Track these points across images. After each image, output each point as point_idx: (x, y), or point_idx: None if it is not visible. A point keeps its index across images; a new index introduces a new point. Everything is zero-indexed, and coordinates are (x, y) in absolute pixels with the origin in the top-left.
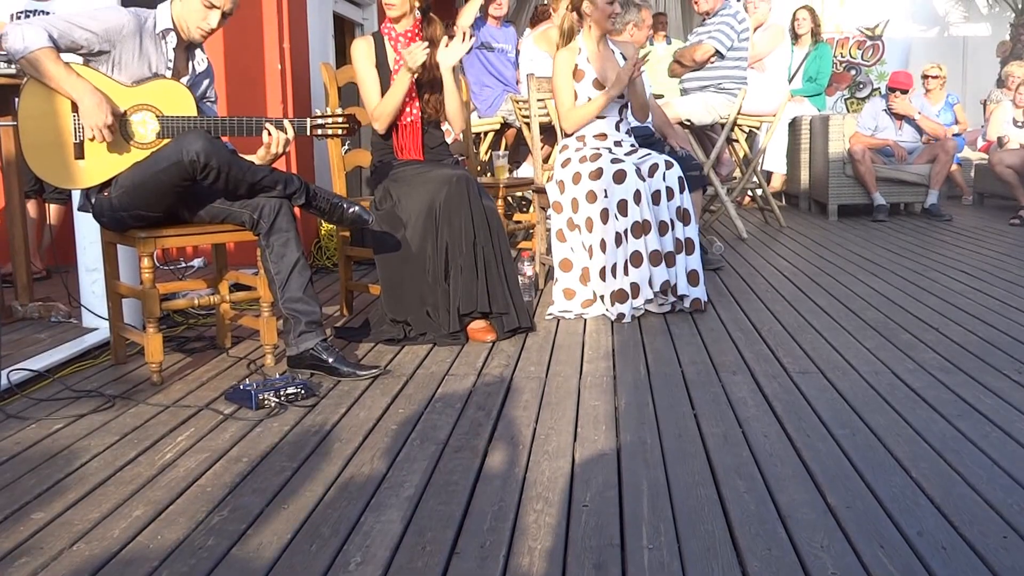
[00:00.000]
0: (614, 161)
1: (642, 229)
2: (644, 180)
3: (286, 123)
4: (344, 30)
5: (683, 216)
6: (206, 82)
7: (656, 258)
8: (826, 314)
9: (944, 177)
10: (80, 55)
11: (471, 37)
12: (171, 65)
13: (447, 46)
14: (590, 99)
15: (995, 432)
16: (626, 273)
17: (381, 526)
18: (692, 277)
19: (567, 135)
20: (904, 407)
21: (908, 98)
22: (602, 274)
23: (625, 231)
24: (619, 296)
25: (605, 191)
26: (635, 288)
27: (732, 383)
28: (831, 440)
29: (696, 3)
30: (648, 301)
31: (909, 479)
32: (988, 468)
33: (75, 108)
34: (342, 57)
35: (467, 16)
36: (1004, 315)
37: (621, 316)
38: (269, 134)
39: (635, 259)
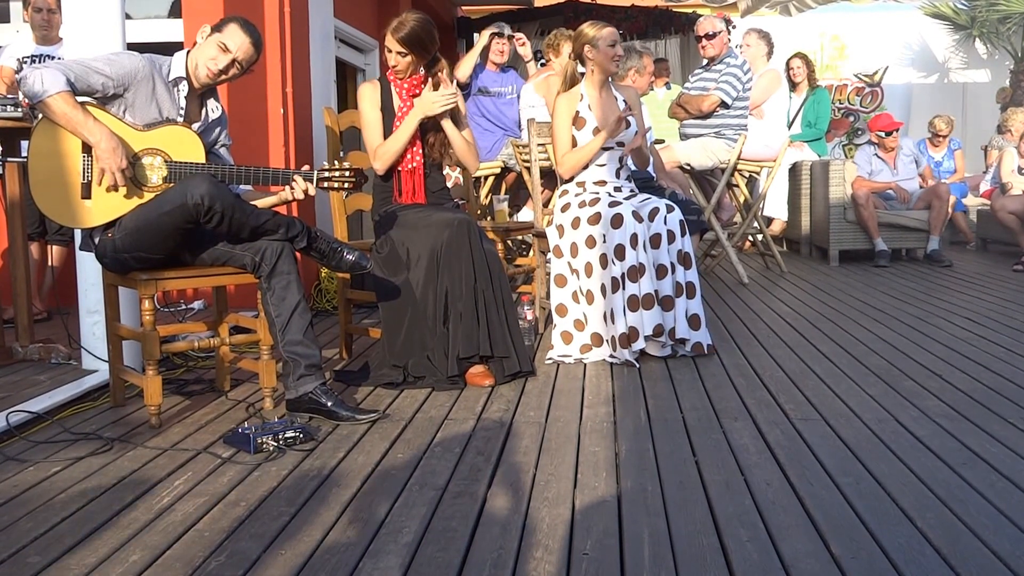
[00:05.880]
0: (612, 204)
1: (637, 272)
2: (641, 222)
3: (299, 178)
4: (346, 75)
5: (683, 260)
6: (218, 129)
7: (648, 301)
8: (828, 360)
9: (942, 222)
10: (95, 98)
11: (453, 88)
12: (183, 112)
13: (433, 90)
14: None
15: (1001, 481)
16: (624, 317)
17: (380, 573)
18: (693, 321)
19: (564, 180)
20: (909, 455)
21: (904, 142)
22: (605, 319)
23: (622, 275)
24: (623, 341)
25: (604, 236)
26: (634, 332)
27: (733, 430)
28: (835, 489)
29: (703, 48)
30: (645, 339)
31: (915, 529)
32: (995, 518)
33: (86, 149)
34: (344, 102)
35: (465, 68)
36: (1009, 362)
37: (628, 361)
38: (292, 188)
39: (632, 303)
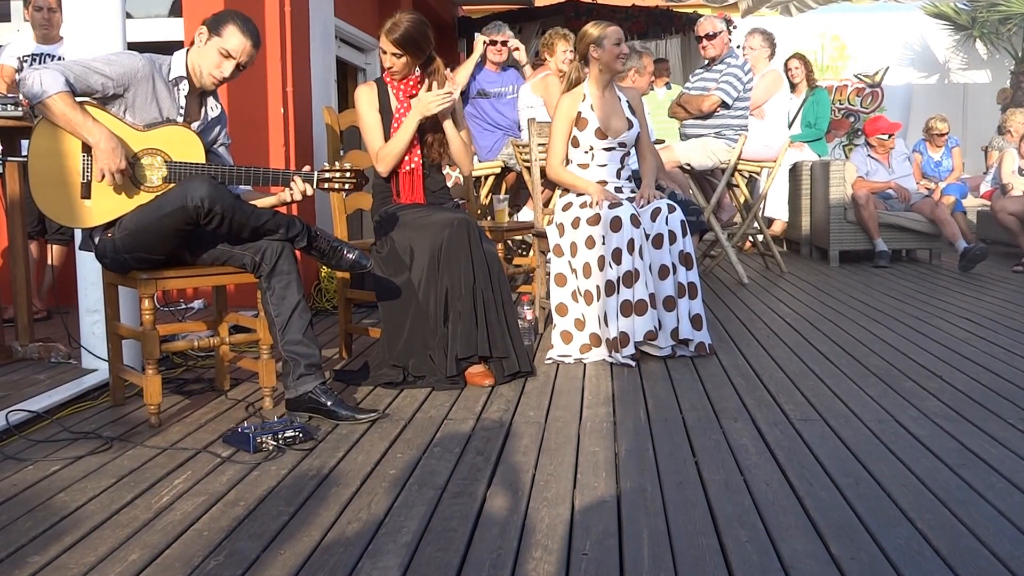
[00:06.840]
0: (612, 206)
1: (632, 278)
2: (639, 227)
3: (298, 179)
4: (346, 74)
5: (685, 260)
6: (218, 128)
7: (641, 307)
8: (828, 360)
9: (955, 226)
10: (95, 98)
11: (449, 88)
12: (183, 111)
13: (428, 90)
14: (592, 148)
15: (1001, 482)
16: (617, 322)
17: (379, 573)
18: (695, 321)
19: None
20: (908, 456)
21: (896, 140)
22: (601, 321)
23: (618, 279)
24: (614, 345)
25: (603, 237)
26: (624, 337)
27: (733, 430)
28: (834, 489)
29: (703, 49)
30: (636, 346)
31: (914, 530)
32: (994, 519)
33: (86, 149)
34: (344, 101)
35: (461, 77)
36: (1009, 363)
37: (621, 364)
38: (291, 189)
39: (625, 308)
